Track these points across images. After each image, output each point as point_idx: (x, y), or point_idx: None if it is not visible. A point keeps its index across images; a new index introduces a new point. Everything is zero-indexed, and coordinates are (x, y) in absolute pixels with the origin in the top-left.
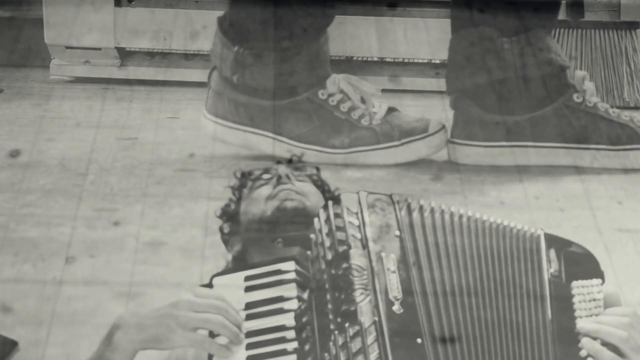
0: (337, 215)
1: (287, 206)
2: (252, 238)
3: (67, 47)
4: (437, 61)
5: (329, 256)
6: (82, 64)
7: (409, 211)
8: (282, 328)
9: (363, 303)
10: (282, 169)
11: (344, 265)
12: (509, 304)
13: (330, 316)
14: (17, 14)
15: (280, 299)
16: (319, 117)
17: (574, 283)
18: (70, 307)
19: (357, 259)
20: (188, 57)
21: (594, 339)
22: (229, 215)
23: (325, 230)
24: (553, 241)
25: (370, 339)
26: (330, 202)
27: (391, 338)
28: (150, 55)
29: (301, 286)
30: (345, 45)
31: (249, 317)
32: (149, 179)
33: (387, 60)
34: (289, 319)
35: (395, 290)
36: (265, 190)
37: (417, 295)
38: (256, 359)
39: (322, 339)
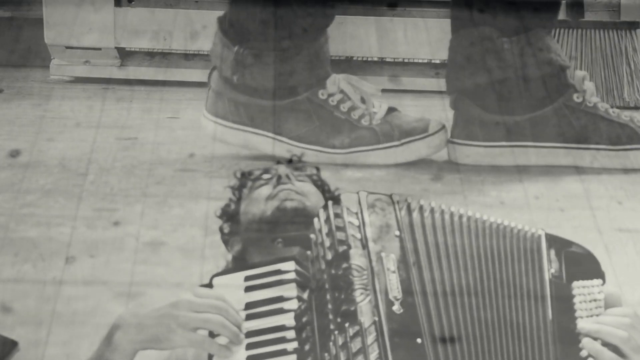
0: (337, 215)
1: (287, 206)
2: (252, 238)
3: (67, 47)
4: (437, 61)
5: (329, 256)
6: (82, 64)
7: (409, 211)
8: (282, 328)
9: (363, 303)
10: (282, 169)
11: (344, 265)
12: (509, 304)
13: (330, 316)
14: (17, 14)
15: (280, 299)
16: (319, 117)
17: (575, 283)
18: (70, 307)
19: (357, 259)
20: (188, 57)
21: (595, 339)
22: (229, 215)
23: (325, 230)
24: (554, 241)
25: (370, 339)
26: (330, 202)
27: (391, 338)
28: (150, 55)
29: (301, 286)
30: (345, 45)
31: (249, 317)
32: (149, 179)
33: (387, 60)
34: (289, 319)
35: (395, 290)
36: (265, 190)
37: (417, 295)
38: (256, 359)
39: (322, 339)
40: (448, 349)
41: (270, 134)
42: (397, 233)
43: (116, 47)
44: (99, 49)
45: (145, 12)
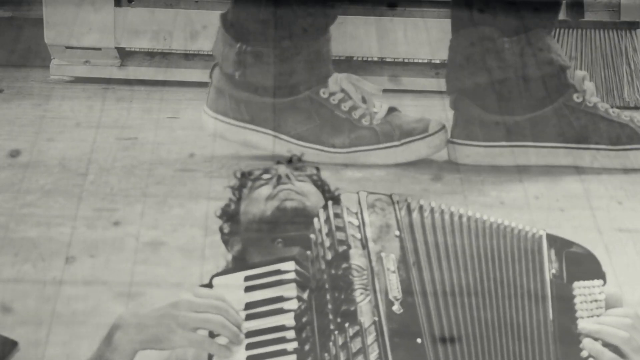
0: (337, 215)
1: (287, 206)
2: (252, 238)
3: (67, 47)
4: (437, 61)
5: (329, 256)
6: (82, 64)
7: (409, 211)
8: (282, 328)
9: (363, 303)
10: (282, 169)
11: (344, 265)
12: (509, 304)
13: (330, 316)
14: (17, 14)
15: (280, 299)
16: (319, 116)
17: (576, 284)
18: (70, 307)
19: (357, 259)
20: (188, 57)
21: (595, 339)
22: (229, 215)
23: (325, 230)
24: (555, 242)
25: (370, 339)
26: (330, 202)
27: (391, 338)
28: (150, 55)
29: (301, 286)
30: (345, 45)
31: (248, 317)
32: (149, 179)
33: (387, 60)
34: (288, 319)
35: (395, 290)
36: (265, 190)
37: (417, 295)
38: (256, 359)
39: (322, 339)
40: (448, 349)
41: (270, 132)
42: (397, 233)
43: (116, 47)
44: (99, 49)
45: (145, 12)
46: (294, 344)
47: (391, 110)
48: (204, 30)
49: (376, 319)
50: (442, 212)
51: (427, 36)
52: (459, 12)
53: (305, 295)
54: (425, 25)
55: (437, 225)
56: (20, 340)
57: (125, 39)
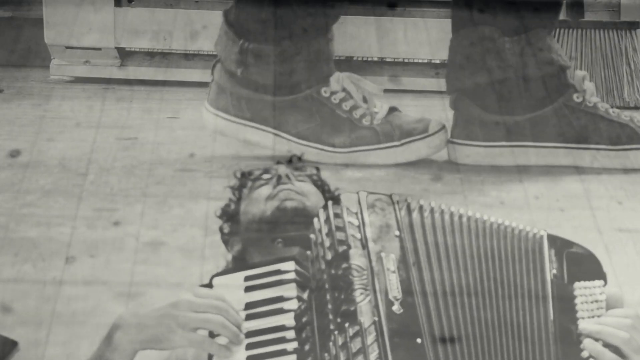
0: (336, 215)
1: (287, 206)
2: (252, 238)
3: (67, 47)
4: (437, 61)
5: (329, 256)
6: (82, 64)
7: (409, 211)
8: (282, 328)
9: (363, 303)
10: (282, 169)
11: (344, 265)
12: (509, 305)
13: (330, 316)
14: (17, 14)
15: (280, 299)
16: (320, 115)
17: (576, 284)
18: (70, 307)
19: (356, 259)
20: (188, 57)
21: (596, 340)
22: (229, 215)
23: (325, 230)
24: (555, 242)
25: (370, 339)
26: (330, 202)
27: (391, 338)
28: (150, 55)
29: (301, 286)
30: (345, 45)
31: (248, 317)
32: (149, 179)
33: (387, 60)
34: (288, 319)
35: (395, 290)
36: (265, 190)
37: (416, 296)
38: (256, 359)
39: (322, 339)
40: (448, 349)
41: (271, 130)
42: (397, 233)
43: (116, 47)
44: (99, 49)
45: (145, 12)
46: (294, 344)
47: (392, 110)
48: (204, 30)
49: (376, 319)
50: (442, 212)
51: (427, 36)
52: (459, 12)
53: (305, 295)
54: (425, 25)
55: (437, 225)
56: (20, 340)
57: (125, 39)
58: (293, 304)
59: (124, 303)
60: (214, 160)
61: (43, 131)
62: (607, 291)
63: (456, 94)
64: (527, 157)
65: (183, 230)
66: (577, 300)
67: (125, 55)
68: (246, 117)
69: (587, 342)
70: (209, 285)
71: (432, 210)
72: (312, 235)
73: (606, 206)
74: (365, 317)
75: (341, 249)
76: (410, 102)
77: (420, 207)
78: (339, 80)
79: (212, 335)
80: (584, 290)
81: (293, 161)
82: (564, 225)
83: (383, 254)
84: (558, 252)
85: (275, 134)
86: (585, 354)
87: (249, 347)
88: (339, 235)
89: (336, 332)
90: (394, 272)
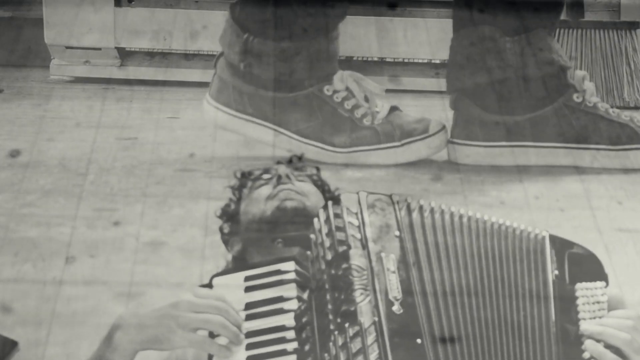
0: (337, 216)
1: (287, 206)
2: (252, 238)
3: (67, 47)
4: (437, 61)
5: (329, 256)
6: (82, 64)
7: (409, 211)
8: (282, 328)
9: (363, 303)
10: (282, 169)
11: (344, 265)
12: (510, 305)
13: (330, 316)
14: (17, 14)
15: (280, 299)
16: (322, 113)
17: (578, 285)
18: (70, 307)
19: (357, 259)
20: (188, 57)
21: (597, 341)
22: (229, 215)
23: (325, 230)
24: (557, 243)
25: (370, 339)
26: (330, 202)
27: (391, 338)
28: (150, 55)
29: (301, 286)
30: (345, 45)
31: (249, 318)
32: (149, 179)
33: (387, 60)
34: (289, 319)
35: (395, 290)
36: (265, 190)
37: (416, 296)
38: (256, 359)
39: (322, 339)
40: (448, 349)
41: (272, 126)
42: (397, 233)
43: (116, 47)
44: (99, 49)
45: (145, 12)
46: (294, 344)
47: (393, 109)
48: (204, 30)
49: (376, 319)
50: (442, 212)
51: (427, 36)
52: (460, 12)
53: (305, 296)
54: (425, 25)
55: (437, 225)
56: (20, 340)
57: (125, 39)
58: (293, 304)
59: (124, 303)
60: (214, 160)
61: (43, 131)
62: (609, 292)
63: (456, 94)
64: (527, 157)
65: (183, 230)
66: (579, 301)
67: (125, 55)
68: (248, 112)
69: (588, 343)
70: (209, 286)
71: (432, 211)
72: (312, 236)
73: (606, 206)
74: (365, 318)
75: (341, 249)
76: (410, 102)
77: (420, 207)
78: (343, 79)
79: (212, 335)
80: (586, 292)
81: (293, 161)
82: (564, 225)
83: (383, 254)
84: (559, 253)
85: (276, 130)
86: (586, 354)
87: (249, 347)
88: (339, 235)
89: (336, 333)
90: (394, 272)
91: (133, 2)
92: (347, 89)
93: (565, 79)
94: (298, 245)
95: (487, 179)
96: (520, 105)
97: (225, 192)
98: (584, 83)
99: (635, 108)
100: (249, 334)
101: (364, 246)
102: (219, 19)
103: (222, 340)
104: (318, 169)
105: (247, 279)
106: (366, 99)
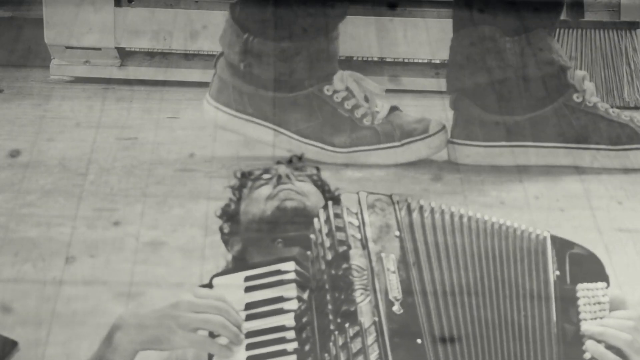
0: (337, 216)
1: (287, 206)
2: (252, 238)
3: (67, 47)
4: (437, 61)
5: (329, 256)
6: (82, 64)
7: (409, 211)
8: (282, 328)
9: (363, 303)
10: (282, 169)
11: (344, 265)
12: (510, 305)
13: (331, 316)
14: (17, 14)
15: (280, 299)
16: (322, 113)
17: (579, 286)
18: (70, 307)
19: (357, 259)
20: (188, 57)
21: (598, 341)
22: (229, 215)
23: (325, 230)
24: (558, 243)
25: (370, 339)
26: (330, 202)
27: (391, 338)
28: (150, 55)
29: (301, 286)
30: (345, 45)
31: (249, 318)
32: (149, 179)
33: (387, 60)
34: (289, 319)
35: (395, 290)
36: (265, 190)
37: (417, 296)
38: (256, 359)
39: (322, 339)
40: (448, 349)
41: (272, 126)
42: (397, 233)
43: (116, 47)
44: (99, 49)
45: (145, 12)
46: (294, 344)
47: (393, 109)
48: (204, 30)
49: (376, 319)
50: (442, 212)
51: (427, 36)
52: (460, 12)
53: (305, 296)
54: (425, 25)
55: (437, 225)
56: (20, 340)
57: (125, 39)
58: (293, 304)
59: (124, 303)
60: (214, 160)
61: (43, 131)
62: (611, 293)
63: (456, 94)
64: (527, 157)
65: (183, 230)
66: (580, 302)
67: (125, 55)
68: (248, 112)
69: (589, 344)
70: (209, 286)
71: (432, 211)
72: (312, 236)
73: (606, 206)
74: (366, 318)
75: (341, 249)
76: (410, 102)
77: (421, 207)
78: (343, 79)
79: (212, 335)
80: (587, 292)
81: (293, 161)
82: (564, 225)
83: (383, 254)
84: (560, 253)
85: (276, 131)
86: (587, 355)
87: (249, 347)
88: (339, 235)
89: (336, 333)
90: (394, 272)
91: (133, 2)
92: (347, 89)
93: (565, 79)
94: (298, 245)
95: (487, 179)
96: (520, 105)
97: (225, 192)
98: (584, 83)
99: (635, 108)
100: (249, 334)
101: (364, 246)
102: (219, 19)
103: (222, 340)
104: (318, 169)
105: (247, 279)
106: (366, 99)
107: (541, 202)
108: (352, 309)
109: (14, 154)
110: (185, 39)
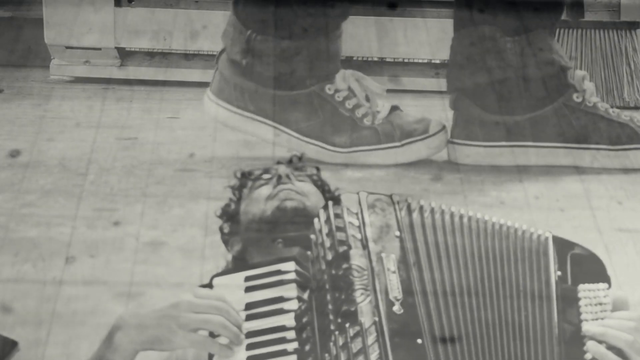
0: (337, 216)
1: (287, 206)
2: (252, 238)
3: (67, 47)
4: (437, 61)
5: (329, 256)
6: (82, 64)
7: (409, 211)
8: (282, 328)
9: (363, 303)
10: (282, 169)
11: (344, 265)
12: (511, 305)
13: (331, 316)
14: (17, 14)
15: (281, 299)
16: (323, 112)
17: (581, 286)
18: (70, 307)
19: (357, 259)
20: (188, 57)
21: (600, 342)
22: (229, 215)
23: (325, 230)
24: (559, 244)
25: (371, 339)
26: (330, 202)
27: (391, 338)
28: (150, 55)
29: (301, 286)
30: (345, 45)
31: (249, 318)
32: (149, 179)
33: (387, 60)
34: (289, 320)
35: (395, 290)
36: (265, 190)
37: (417, 296)
38: (256, 359)
39: (322, 339)
40: (448, 349)
41: (272, 124)
42: (397, 233)
43: (116, 47)
44: (99, 49)
45: (145, 12)
46: (295, 345)
47: (393, 109)
48: (204, 30)
49: (376, 319)
50: (442, 212)
51: (427, 36)
52: (460, 12)
53: (305, 296)
54: (425, 25)
55: (437, 225)
56: (20, 340)
57: (125, 39)
58: (293, 304)
59: (124, 303)
60: (214, 160)
61: (43, 131)
62: (613, 294)
63: (456, 94)
64: (527, 157)
65: (183, 230)
66: (581, 303)
67: (125, 55)
68: (249, 109)
69: (590, 344)
70: (209, 286)
71: (432, 211)
72: (312, 236)
73: (606, 206)
74: (366, 318)
75: (341, 249)
76: (410, 102)
77: (421, 207)
78: (345, 78)
79: (212, 335)
80: (588, 293)
81: (293, 161)
82: (564, 225)
83: (383, 254)
84: (562, 254)
85: (276, 128)
86: (588, 356)
87: (250, 347)
88: (340, 235)
89: (337, 333)
90: (394, 272)
91: (133, 2)
92: (349, 88)
93: (565, 79)
94: (298, 245)
95: (487, 179)
96: (520, 105)
97: (225, 192)
98: (584, 83)
99: (635, 108)
100: (249, 334)
101: (365, 246)
102: (219, 19)
103: (222, 341)
104: (318, 169)
105: (247, 279)
106: (367, 99)
107: (541, 202)
108: (353, 309)
109: (14, 154)
110: (185, 39)
